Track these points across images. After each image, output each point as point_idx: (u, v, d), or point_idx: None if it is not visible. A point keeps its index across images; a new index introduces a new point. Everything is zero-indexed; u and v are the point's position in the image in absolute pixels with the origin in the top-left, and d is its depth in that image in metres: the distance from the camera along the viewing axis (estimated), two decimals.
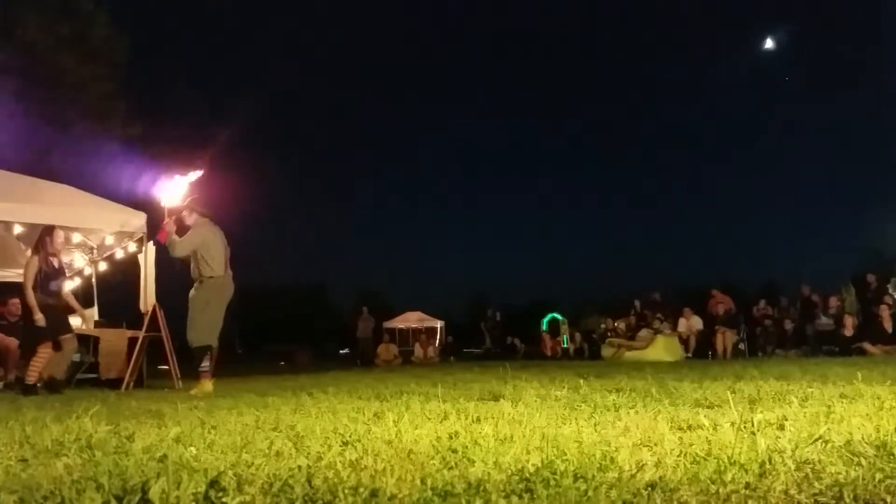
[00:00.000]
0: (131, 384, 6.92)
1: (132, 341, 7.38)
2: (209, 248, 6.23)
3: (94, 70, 16.64)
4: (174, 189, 6.51)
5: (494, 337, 18.93)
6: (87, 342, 7.79)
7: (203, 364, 6.03)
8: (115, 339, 7.78)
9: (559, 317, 18.96)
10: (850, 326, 11.71)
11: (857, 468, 1.42)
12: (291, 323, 51.53)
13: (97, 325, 8.61)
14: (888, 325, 11.15)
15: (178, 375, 7.03)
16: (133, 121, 17.78)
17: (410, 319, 26.67)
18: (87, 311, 9.44)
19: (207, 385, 5.84)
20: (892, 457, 1.50)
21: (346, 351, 33.12)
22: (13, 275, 10.54)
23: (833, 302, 12.66)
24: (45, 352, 6.17)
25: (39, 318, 6.08)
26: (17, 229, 8.05)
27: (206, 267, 6.18)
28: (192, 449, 1.89)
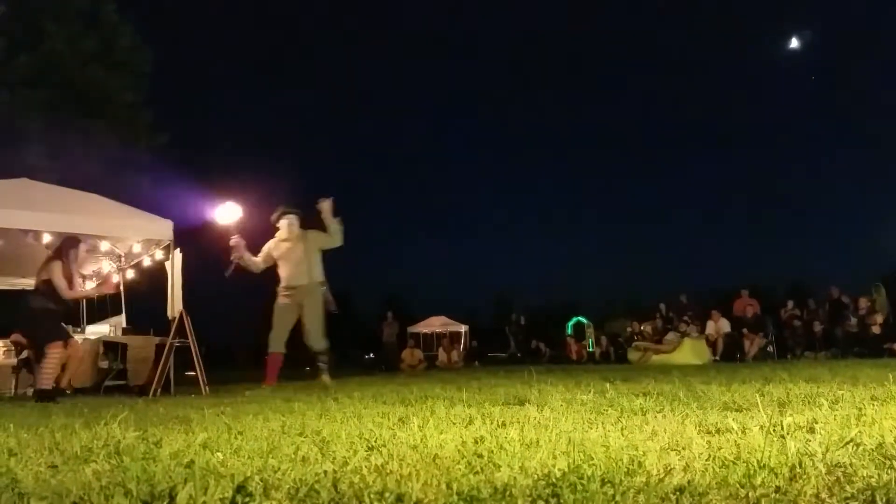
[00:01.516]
0: (159, 391, 7.00)
1: (160, 348, 7.47)
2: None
3: (120, 81, 16.94)
4: (230, 209, 6.68)
5: (519, 341, 18.87)
6: (115, 349, 7.91)
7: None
8: (142, 346, 7.89)
9: (584, 320, 18.87)
10: (877, 325, 11.49)
11: (889, 471, 1.39)
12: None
13: (125, 332, 8.75)
14: None
15: (206, 382, 7.10)
16: (160, 130, 18.07)
17: (435, 324, 26.67)
18: (115, 319, 9.61)
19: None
20: None
21: (370, 356, 33.20)
22: None
23: (863, 303, 12.43)
24: (55, 355, 6.15)
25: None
26: (46, 238, 8.20)
27: (319, 271, 6.59)
28: (219, 454, 1.91)
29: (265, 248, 6.74)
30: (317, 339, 6.51)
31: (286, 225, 6.66)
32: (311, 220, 6.75)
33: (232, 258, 6.48)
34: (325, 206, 6.57)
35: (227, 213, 6.65)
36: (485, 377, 6.65)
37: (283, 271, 6.61)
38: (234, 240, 6.48)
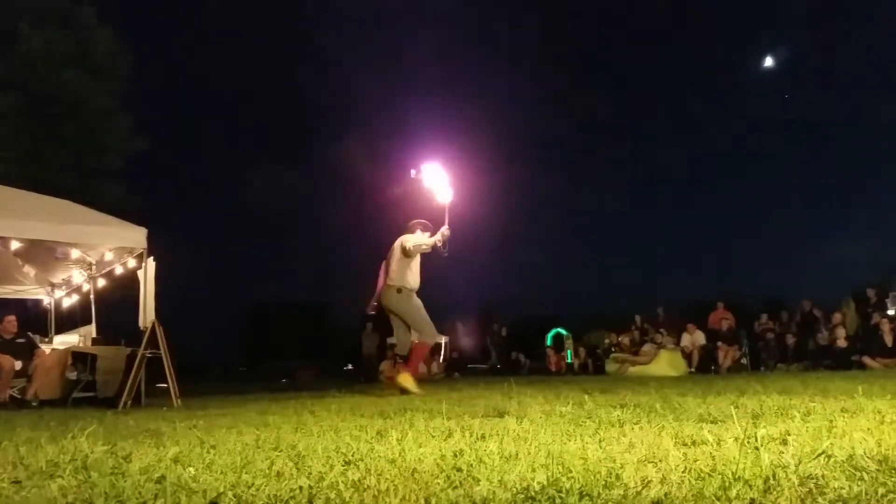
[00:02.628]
0: (129, 403, 6.87)
1: (131, 359, 7.34)
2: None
3: (97, 85, 16.73)
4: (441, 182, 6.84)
5: (500, 352, 18.87)
6: (84, 360, 7.76)
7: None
8: (113, 357, 7.74)
9: (564, 332, 18.91)
10: (842, 339, 11.71)
11: (859, 483, 1.41)
12: (295, 340, 51.39)
13: (95, 342, 8.58)
14: (889, 339, 11.13)
15: (178, 394, 6.98)
16: (137, 135, 17.85)
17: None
18: (85, 329, 9.43)
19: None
20: (894, 471, 1.49)
21: (350, 367, 33.03)
22: (10, 291, 10.55)
23: (837, 318, 12.66)
24: None
25: None
26: (14, 245, 8.03)
27: (413, 278, 6.81)
28: (191, 469, 1.87)
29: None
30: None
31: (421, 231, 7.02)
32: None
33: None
34: (444, 234, 6.72)
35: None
36: (464, 389, 6.64)
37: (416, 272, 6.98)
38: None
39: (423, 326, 6.92)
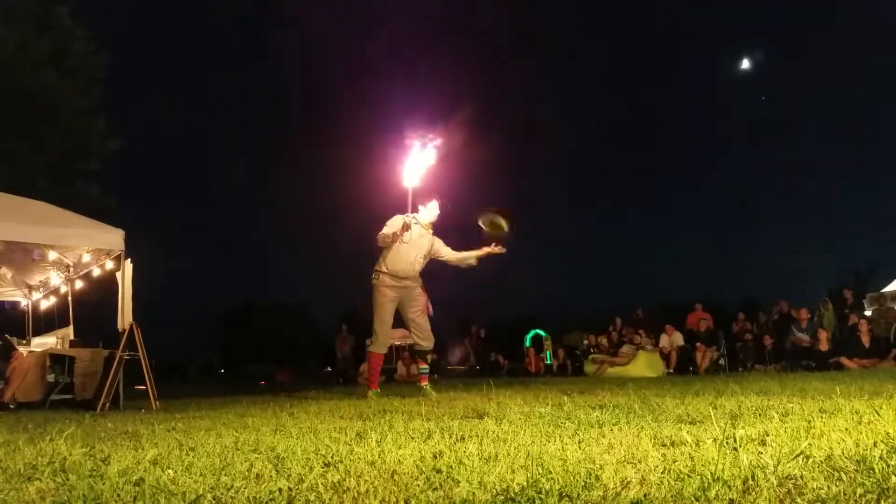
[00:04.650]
0: (107, 405, 6.79)
1: (109, 361, 7.26)
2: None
3: (73, 86, 16.52)
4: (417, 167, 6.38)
5: (479, 354, 18.88)
6: (62, 362, 7.66)
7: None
8: (91, 359, 7.65)
9: (542, 333, 18.97)
10: (824, 341, 11.85)
11: (838, 483, 1.43)
12: (273, 342, 51.07)
13: (72, 344, 8.47)
14: (866, 340, 11.30)
15: (156, 396, 6.92)
16: (112, 136, 17.65)
17: (394, 336, 26.45)
18: (63, 331, 9.32)
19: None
20: (871, 472, 1.50)
21: (329, 369, 32.93)
22: None
23: (803, 314, 12.81)
24: None
25: None
26: None
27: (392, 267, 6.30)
28: (170, 472, 1.86)
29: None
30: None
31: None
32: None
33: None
34: (495, 251, 6.36)
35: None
36: (444, 390, 6.64)
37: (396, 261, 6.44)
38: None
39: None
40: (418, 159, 6.35)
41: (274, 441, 2.58)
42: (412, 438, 2.49)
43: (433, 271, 6.65)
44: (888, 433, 2.00)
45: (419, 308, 6.41)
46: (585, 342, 15.89)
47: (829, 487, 1.39)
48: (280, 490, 1.52)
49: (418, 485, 1.56)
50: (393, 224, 6.24)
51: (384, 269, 6.28)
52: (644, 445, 2.07)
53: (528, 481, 1.51)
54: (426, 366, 6.65)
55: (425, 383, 6.44)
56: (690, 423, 2.78)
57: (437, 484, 1.56)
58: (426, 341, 6.48)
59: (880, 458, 1.61)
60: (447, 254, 6.52)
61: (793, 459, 1.67)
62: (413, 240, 6.29)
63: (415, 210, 6.43)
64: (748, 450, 1.86)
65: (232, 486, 1.58)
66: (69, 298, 9.49)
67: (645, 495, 1.38)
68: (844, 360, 10.94)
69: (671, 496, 1.37)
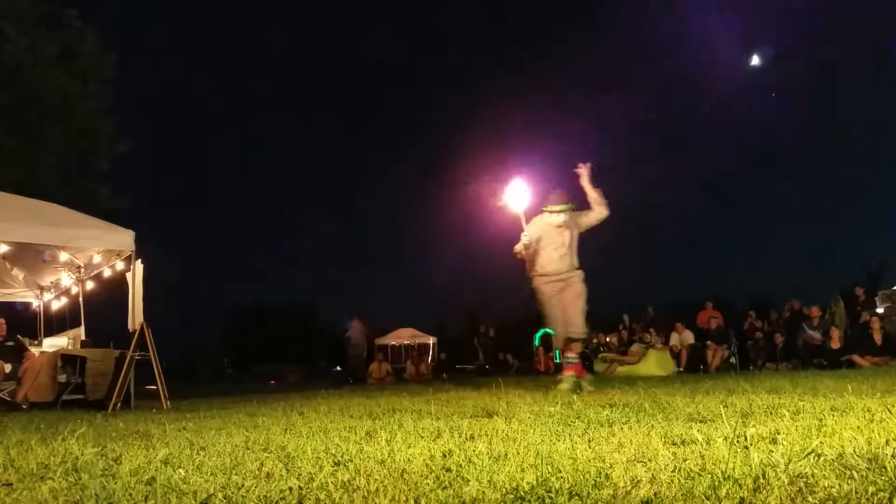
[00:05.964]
0: (118, 405, 6.84)
1: (120, 361, 7.31)
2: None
3: (83, 87, 16.61)
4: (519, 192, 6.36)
5: (487, 353, 18.88)
6: (73, 362, 7.71)
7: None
8: (102, 360, 7.70)
9: (552, 332, 18.98)
10: (836, 339, 11.77)
11: (849, 482, 1.42)
12: (283, 341, 51.22)
13: (84, 344, 8.53)
14: (878, 338, 11.21)
15: (167, 396, 6.96)
16: (122, 137, 17.74)
17: (403, 336, 26.57)
18: (74, 331, 9.38)
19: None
20: (883, 470, 1.49)
21: (338, 369, 33.01)
22: None
23: (815, 312, 12.73)
24: None
25: None
26: (2, 248, 7.97)
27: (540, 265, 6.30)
28: (181, 471, 1.86)
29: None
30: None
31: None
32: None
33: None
34: (584, 172, 6.33)
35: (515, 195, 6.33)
36: (453, 389, 6.64)
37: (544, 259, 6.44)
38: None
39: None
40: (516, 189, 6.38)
41: (284, 440, 2.59)
42: (422, 437, 2.49)
43: None
44: None
45: (574, 293, 6.33)
46: (595, 341, 15.85)
47: (840, 486, 1.38)
48: (290, 489, 1.53)
49: (428, 483, 1.56)
50: (519, 244, 6.27)
51: (538, 271, 6.37)
52: (654, 444, 2.06)
53: (537, 480, 1.50)
54: (573, 355, 6.35)
55: (570, 373, 6.17)
56: (701, 421, 2.77)
57: (447, 483, 1.56)
58: (574, 328, 6.29)
59: (892, 456, 1.60)
60: (593, 217, 6.47)
61: (804, 458, 1.66)
62: (552, 238, 6.29)
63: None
64: (759, 448, 1.85)
65: (242, 486, 1.59)
66: (80, 299, 9.56)
67: (655, 494, 1.37)
68: (856, 358, 10.86)
69: (682, 495, 1.37)
